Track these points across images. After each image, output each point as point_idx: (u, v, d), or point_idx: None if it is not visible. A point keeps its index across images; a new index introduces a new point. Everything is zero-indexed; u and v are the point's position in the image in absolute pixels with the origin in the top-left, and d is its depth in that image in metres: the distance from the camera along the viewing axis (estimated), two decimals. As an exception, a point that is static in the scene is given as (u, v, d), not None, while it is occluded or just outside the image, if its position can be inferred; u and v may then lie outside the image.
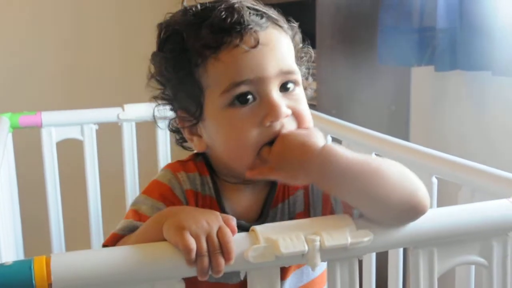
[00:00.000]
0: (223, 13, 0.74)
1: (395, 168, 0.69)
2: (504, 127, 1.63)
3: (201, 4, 0.78)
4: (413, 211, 0.68)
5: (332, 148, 0.68)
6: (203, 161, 0.82)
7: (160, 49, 0.79)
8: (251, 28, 0.74)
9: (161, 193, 0.78)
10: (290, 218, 0.80)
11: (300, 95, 0.78)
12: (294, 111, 0.75)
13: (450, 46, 1.66)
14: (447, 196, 1.09)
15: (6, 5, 2.28)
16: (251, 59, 0.73)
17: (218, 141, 0.77)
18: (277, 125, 0.73)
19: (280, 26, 0.78)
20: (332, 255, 0.64)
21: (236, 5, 0.75)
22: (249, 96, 0.73)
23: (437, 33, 1.66)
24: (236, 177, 0.79)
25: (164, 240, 0.63)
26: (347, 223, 0.66)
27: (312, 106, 2.00)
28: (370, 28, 1.97)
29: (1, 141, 1.30)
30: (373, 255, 1.19)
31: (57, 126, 1.55)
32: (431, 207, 1.03)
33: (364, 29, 1.99)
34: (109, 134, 1.64)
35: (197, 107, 0.77)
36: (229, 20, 0.74)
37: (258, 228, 0.64)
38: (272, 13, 0.79)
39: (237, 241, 0.62)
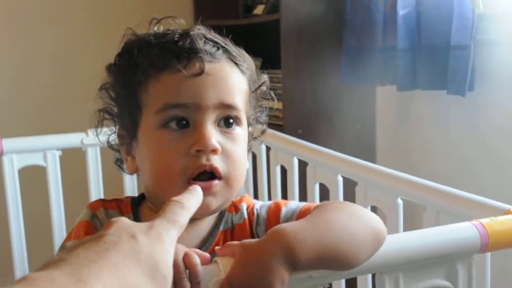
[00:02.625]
0: (177, 36, 0.74)
1: (344, 218, 0.65)
2: (447, 142, 1.66)
3: (168, 29, 0.77)
4: (379, 244, 0.66)
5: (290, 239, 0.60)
6: (130, 202, 0.80)
7: (115, 63, 0.79)
8: (199, 57, 0.72)
9: (86, 232, 0.75)
10: None
11: (238, 135, 0.75)
12: (227, 150, 0.73)
13: (410, 66, 1.68)
14: (412, 217, 1.09)
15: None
16: (191, 85, 0.71)
17: (147, 164, 0.74)
18: (203, 158, 0.70)
19: (236, 64, 0.76)
20: (297, 284, 0.63)
21: (193, 32, 0.74)
22: (183, 122, 0.72)
23: (398, 53, 1.69)
24: None
25: None
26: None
27: (278, 127, 2.02)
28: (334, 48, 2.00)
29: (-40, 171, 1.26)
30: (342, 281, 1.18)
31: (19, 153, 1.51)
32: (397, 228, 1.04)
33: (328, 49, 2.01)
34: (73, 160, 1.61)
35: (133, 125, 0.76)
36: (180, 43, 0.73)
37: (220, 259, 0.63)
38: (234, 50, 0.77)
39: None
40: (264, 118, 0.84)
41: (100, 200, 0.80)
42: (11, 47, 2.36)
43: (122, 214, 0.78)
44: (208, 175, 0.72)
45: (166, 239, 0.52)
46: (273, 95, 0.86)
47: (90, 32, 2.43)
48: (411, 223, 1.04)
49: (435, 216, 0.94)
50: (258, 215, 0.80)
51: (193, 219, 0.75)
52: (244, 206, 0.81)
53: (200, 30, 0.76)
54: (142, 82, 0.74)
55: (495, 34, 1.52)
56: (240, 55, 0.78)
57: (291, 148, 1.42)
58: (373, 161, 1.87)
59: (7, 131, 1.72)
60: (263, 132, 0.86)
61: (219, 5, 2.49)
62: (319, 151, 1.30)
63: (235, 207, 0.82)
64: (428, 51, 1.63)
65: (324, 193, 1.29)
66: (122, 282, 0.45)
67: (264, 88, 0.83)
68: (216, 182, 0.72)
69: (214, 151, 0.71)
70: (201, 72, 0.72)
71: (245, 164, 0.76)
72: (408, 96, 1.85)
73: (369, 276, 1.09)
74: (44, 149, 1.54)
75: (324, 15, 2.00)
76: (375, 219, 0.68)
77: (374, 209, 1.11)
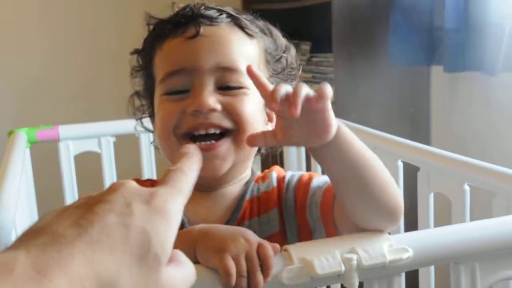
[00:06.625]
0: (181, 9, 0.78)
1: (385, 169, 0.67)
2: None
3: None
4: (397, 215, 0.65)
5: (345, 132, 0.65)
6: None
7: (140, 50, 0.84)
8: (197, 21, 0.74)
9: None
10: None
11: (243, 95, 0.72)
12: (230, 106, 0.71)
13: (459, 47, 1.62)
14: (478, 203, 1.05)
15: (23, 22, 2.29)
16: (187, 48, 0.73)
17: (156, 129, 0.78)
18: (200, 117, 0.70)
19: (242, 28, 0.76)
20: (370, 274, 0.61)
21: (197, 1, 0.78)
22: (184, 89, 0.73)
23: (445, 33, 1.63)
24: None
25: (196, 262, 0.59)
26: (384, 239, 0.63)
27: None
28: (385, 29, 1.94)
29: (19, 156, 1.28)
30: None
31: (74, 139, 1.53)
32: (463, 216, 1.00)
33: (379, 31, 1.95)
34: (126, 146, 1.62)
35: (151, 96, 0.80)
36: (180, 13, 0.76)
37: (291, 247, 0.61)
38: (245, 18, 0.78)
39: (270, 261, 0.59)
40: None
41: (135, 180, 0.77)
42: (67, 36, 2.39)
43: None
44: (215, 137, 0.71)
45: (172, 208, 0.44)
46: (298, 65, 0.84)
47: (138, 28, 2.44)
48: (477, 210, 0.99)
49: (506, 203, 0.90)
50: (289, 181, 0.79)
51: (218, 190, 0.77)
52: (274, 175, 0.81)
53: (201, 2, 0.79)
54: (152, 55, 0.78)
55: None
56: (251, 22, 0.78)
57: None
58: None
59: (63, 118, 1.74)
60: None
61: (268, -12, 2.46)
62: (377, 136, 1.26)
63: (263, 176, 0.81)
64: (476, 31, 1.56)
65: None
66: (97, 269, 0.38)
67: (288, 59, 0.81)
68: (219, 142, 0.71)
69: (212, 110, 0.70)
70: (197, 34, 0.73)
71: (258, 123, 0.74)
72: (459, 78, 1.78)
73: (432, 269, 1.05)
74: (98, 135, 1.55)
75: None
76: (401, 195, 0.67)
77: (438, 195, 1.07)
